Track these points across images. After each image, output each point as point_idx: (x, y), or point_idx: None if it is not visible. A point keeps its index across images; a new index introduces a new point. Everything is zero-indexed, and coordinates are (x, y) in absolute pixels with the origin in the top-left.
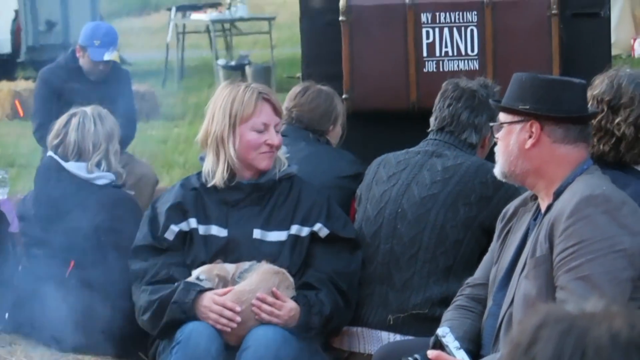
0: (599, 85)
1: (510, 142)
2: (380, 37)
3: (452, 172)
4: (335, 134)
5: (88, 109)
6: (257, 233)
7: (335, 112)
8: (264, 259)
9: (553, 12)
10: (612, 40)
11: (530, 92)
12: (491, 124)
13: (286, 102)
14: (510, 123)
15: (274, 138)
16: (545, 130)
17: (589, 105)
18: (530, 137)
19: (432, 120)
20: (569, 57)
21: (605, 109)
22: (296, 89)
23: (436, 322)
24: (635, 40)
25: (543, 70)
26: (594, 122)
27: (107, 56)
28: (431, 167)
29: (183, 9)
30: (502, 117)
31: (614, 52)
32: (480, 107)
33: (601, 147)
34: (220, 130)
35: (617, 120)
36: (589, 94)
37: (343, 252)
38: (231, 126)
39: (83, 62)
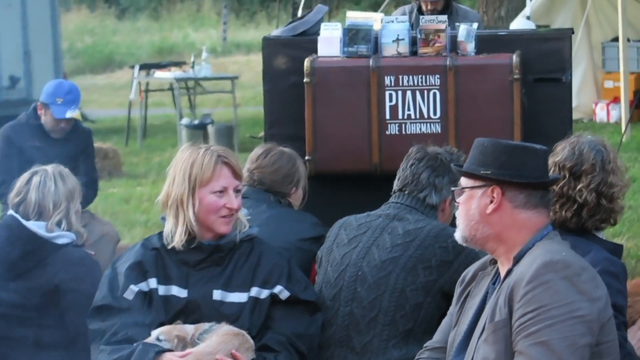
0: (560, 152)
1: (472, 206)
2: (344, 99)
3: (413, 236)
4: (297, 196)
5: (49, 168)
6: (217, 294)
7: (297, 175)
8: (224, 321)
9: (515, 76)
10: (574, 104)
11: (492, 158)
12: (453, 188)
13: (248, 163)
14: (472, 188)
15: (233, 201)
16: (506, 196)
17: (550, 171)
18: (491, 202)
19: (395, 181)
20: (530, 122)
21: (567, 176)
22: (258, 150)
23: None
24: (596, 104)
25: (504, 134)
26: (556, 188)
27: (70, 114)
28: (392, 231)
29: (147, 67)
30: (464, 181)
31: (575, 116)
32: (442, 168)
33: (563, 213)
34: (180, 193)
35: (579, 187)
36: (551, 160)
37: (303, 314)
38: (190, 190)
39: (45, 119)
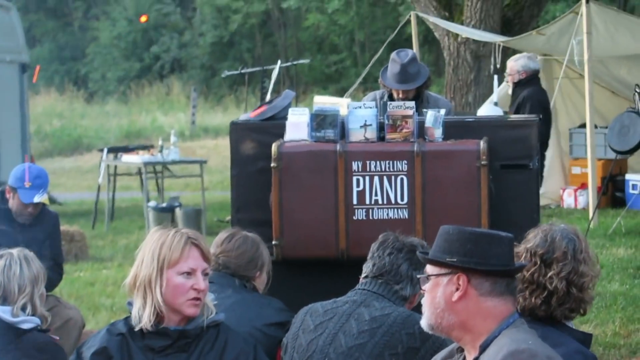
0: (532, 239)
1: (437, 294)
2: (311, 184)
3: (379, 322)
4: (261, 280)
5: (14, 252)
6: None
7: (261, 259)
8: None
9: (482, 163)
10: (542, 190)
11: (457, 245)
12: (418, 275)
13: (212, 248)
14: (438, 275)
15: (201, 283)
16: (472, 284)
17: (522, 257)
18: (457, 289)
19: (368, 266)
20: (497, 208)
21: (539, 262)
22: (222, 235)
23: None
24: (564, 190)
25: (472, 220)
26: (527, 275)
27: (37, 198)
28: (358, 317)
29: (115, 151)
30: (429, 269)
31: (543, 202)
32: (419, 261)
33: (533, 300)
34: (148, 273)
35: (549, 274)
36: (523, 246)
37: None
38: (159, 270)
39: (12, 203)
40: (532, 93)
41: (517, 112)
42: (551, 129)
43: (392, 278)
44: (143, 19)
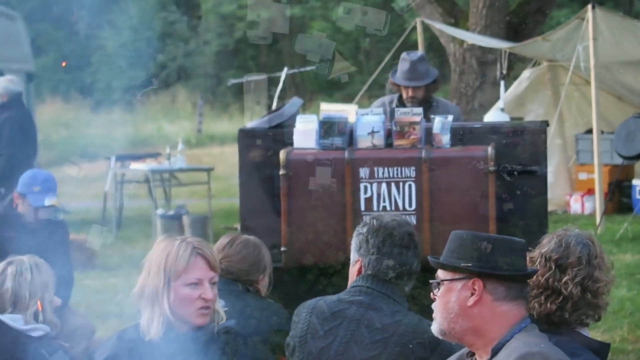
0: (547, 244)
1: (451, 299)
2: (319, 191)
3: (390, 332)
4: (264, 283)
5: (25, 258)
6: None
7: (263, 262)
8: None
9: (490, 169)
10: (549, 197)
11: (471, 250)
12: (431, 280)
13: None
14: (452, 280)
15: (208, 292)
16: (487, 289)
17: (536, 263)
18: (472, 294)
19: (377, 264)
20: (505, 214)
21: (553, 267)
22: (223, 240)
23: None
24: (571, 196)
25: (479, 226)
26: (542, 280)
27: (48, 201)
28: (369, 324)
29: (122, 159)
30: (442, 274)
31: (550, 208)
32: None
33: (548, 305)
34: (155, 285)
35: (564, 279)
36: (537, 251)
37: None
38: (166, 282)
39: (22, 209)
40: (13, 115)
41: None
42: (36, 151)
43: (405, 281)
44: None
